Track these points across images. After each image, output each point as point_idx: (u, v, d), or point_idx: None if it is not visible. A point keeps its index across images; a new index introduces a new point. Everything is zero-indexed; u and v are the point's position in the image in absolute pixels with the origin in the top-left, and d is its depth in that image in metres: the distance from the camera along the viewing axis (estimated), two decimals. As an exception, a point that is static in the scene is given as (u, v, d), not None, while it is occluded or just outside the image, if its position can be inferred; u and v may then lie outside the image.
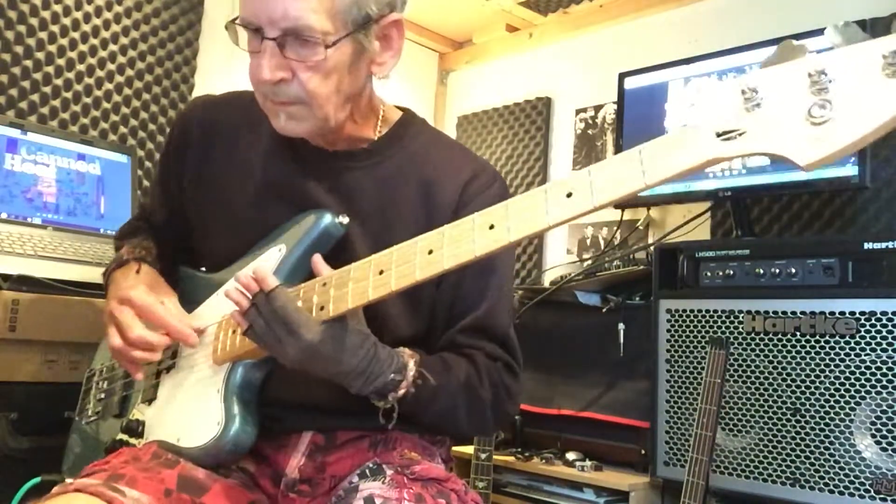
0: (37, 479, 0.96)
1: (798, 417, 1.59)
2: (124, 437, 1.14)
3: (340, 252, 1.03)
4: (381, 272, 0.87)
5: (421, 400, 0.98)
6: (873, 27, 1.96)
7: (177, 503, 0.94)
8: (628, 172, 0.73)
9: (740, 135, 0.68)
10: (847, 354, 1.55)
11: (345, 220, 1.04)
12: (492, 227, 0.79)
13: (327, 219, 1.03)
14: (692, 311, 1.78)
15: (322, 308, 0.92)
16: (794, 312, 1.62)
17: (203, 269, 1.17)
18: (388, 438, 1.06)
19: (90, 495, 0.88)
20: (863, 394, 1.52)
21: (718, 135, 0.69)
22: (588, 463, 1.93)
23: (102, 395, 1.27)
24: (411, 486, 0.95)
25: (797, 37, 0.67)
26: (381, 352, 0.96)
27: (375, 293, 0.87)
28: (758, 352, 1.67)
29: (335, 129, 1.05)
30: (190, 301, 1.14)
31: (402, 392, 0.97)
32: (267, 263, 1.05)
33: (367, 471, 1.00)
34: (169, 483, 0.95)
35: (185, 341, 1.06)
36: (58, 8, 2.17)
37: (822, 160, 0.64)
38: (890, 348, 1.50)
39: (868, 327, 1.53)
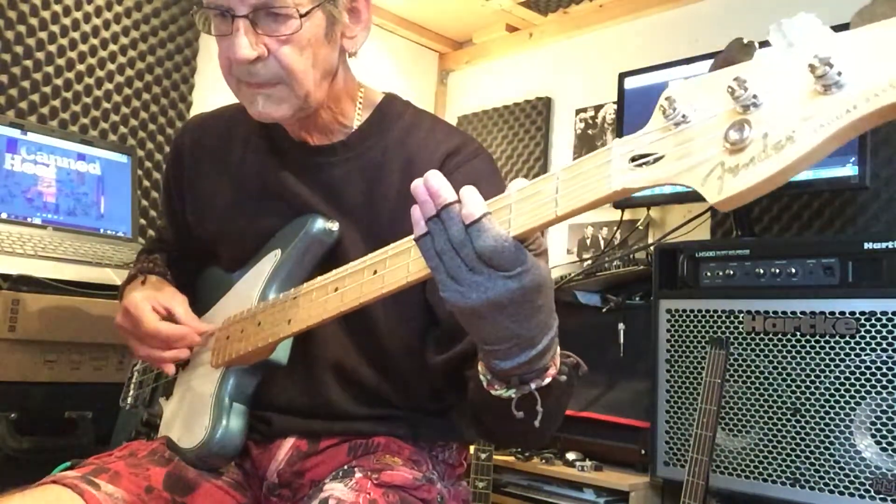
0: (66, 464, 0.97)
1: (798, 417, 1.59)
2: (143, 428, 1.16)
3: (334, 250, 1.04)
4: (335, 289, 0.87)
5: (551, 394, 0.79)
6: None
7: (156, 500, 0.94)
8: (544, 200, 0.65)
9: (656, 160, 0.57)
10: (847, 354, 1.55)
11: (334, 226, 1.04)
12: None
13: (317, 225, 1.03)
14: (692, 311, 1.78)
15: (289, 322, 0.92)
16: (794, 312, 1.62)
17: (222, 269, 1.18)
18: (370, 443, 1.05)
19: (63, 487, 0.89)
20: (863, 394, 1.52)
21: (633, 160, 0.59)
22: (588, 463, 1.93)
23: (140, 384, 1.29)
24: (370, 492, 0.93)
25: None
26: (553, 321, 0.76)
27: (329, 312, 0.86)
28: (758, 352, 1.67)
29: (313, 112, 1.03)
30: (210, 301, 1.16)
31: (547, 380, 0.78)
32: (264, 268, 1.06)
33: (340, 473, 0.99)
34: (154, 481, 0.96)
35: (181, 342, 1.07)
36: (58, 8, 2.17)
37: (734, 198, 0.52)
38: (890, 348, 1.50)
39: (868, 327, 1.52)
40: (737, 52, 0.55)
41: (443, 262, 0.69)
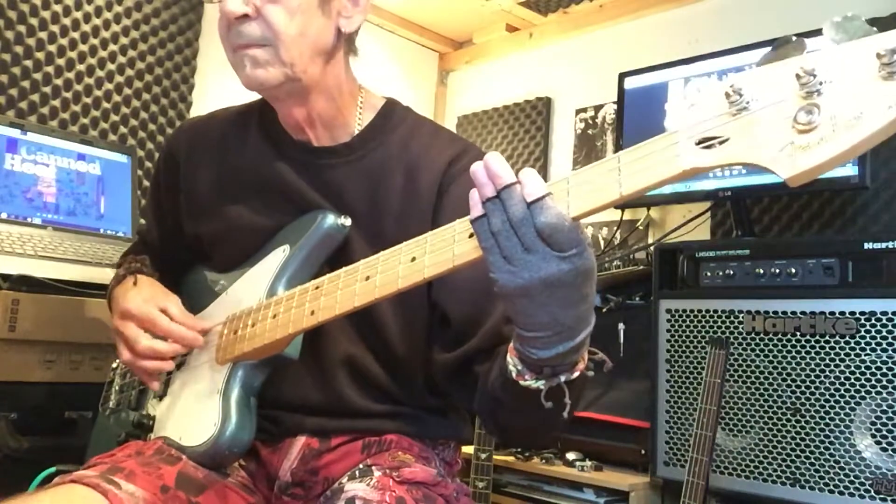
0: (51, 469, 0.96)
1: (798, 417, 1.59)
2: (135, 431, 1.15)
3: (338, 250, 1.04)
4: (367, 278, 0.86)
5: (575, 388, 0.80)
6: (873, 27, 1.96)
7: (172, 500, 0.94)
8: (605, 182, 0.68)
9: (722, 142, 0.62)
10: (847, 354, 1.55)
11: (347, 221, 1.04)
12: (471, 235, 0.75)
13: (329, 220, 1.03)
14: (692, 311, 1.78)
15: (312, 313, 0.92)
16: (794, 312, 1.62)
17: (214, 270, 1.17)
18: (382, 441, 1.05)
19: (86, 486, 0.88)
20: (863, 394, 1.52)
21: (698, 142, 0.63)
22: (588, 463, 1.93)
23: (122, 388, 1.27)
24: (395, 489, 0.93)
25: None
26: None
27: (360, 300, 0.86)
28: (758, 352, 1.67)
29: (310, 97, 1.03)
30: (199, 302, 1.15)
31: (576, 374, 0.78)
32: (271, 264, 1.06)
33: (357, 472, 1.00)
34: (167, 479, 0.95)
35: (190, 345, 1.06)
36: (58, 8, 2.17)
37: (806, 173, 0.57)
38: (890, 348, 1.50)
39: (868, 327, 1.52)
40: (787, 48, 0.61)
41: (497, 242, 0.70)
